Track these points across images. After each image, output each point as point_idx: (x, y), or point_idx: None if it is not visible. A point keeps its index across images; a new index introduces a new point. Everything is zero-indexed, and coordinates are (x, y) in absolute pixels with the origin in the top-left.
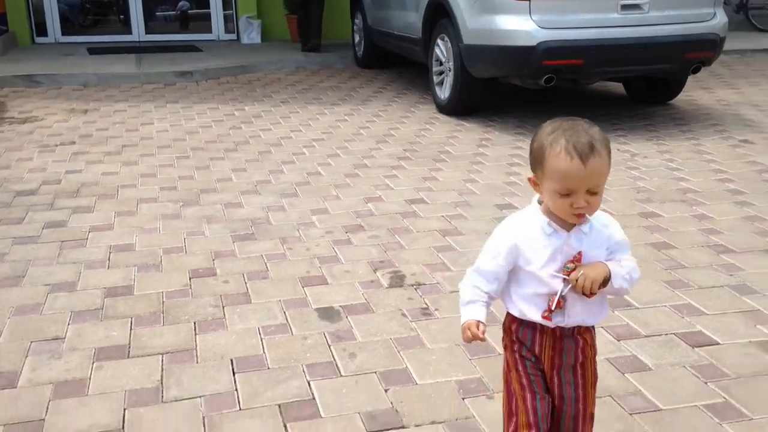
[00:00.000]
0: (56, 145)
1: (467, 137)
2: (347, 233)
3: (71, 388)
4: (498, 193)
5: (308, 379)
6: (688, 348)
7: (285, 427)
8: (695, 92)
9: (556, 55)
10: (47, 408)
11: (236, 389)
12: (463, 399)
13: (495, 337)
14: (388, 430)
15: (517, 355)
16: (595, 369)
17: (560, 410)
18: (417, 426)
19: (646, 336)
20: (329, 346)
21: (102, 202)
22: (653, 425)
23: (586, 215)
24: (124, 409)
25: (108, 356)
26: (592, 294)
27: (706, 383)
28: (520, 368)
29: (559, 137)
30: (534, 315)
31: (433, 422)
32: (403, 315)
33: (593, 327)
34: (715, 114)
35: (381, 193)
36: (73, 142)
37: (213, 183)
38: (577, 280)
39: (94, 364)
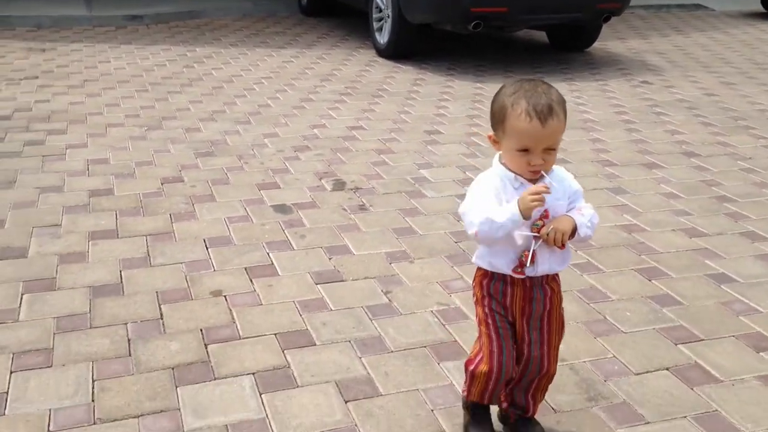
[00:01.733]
0: (21, 80)
1: (403, 77)
2: (296, 152)
3: (74, 257)
4: (427, 122)
5: (267, 251)
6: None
7: (251, 281)
8: (611, 42)
9: (483, 2)
10: (56, 270)
11: (210, 257)
12: (390, 264)
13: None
14: (331, 282)
15: (486, 310)
16: (561, 315)
17: (528, 353)
18: (354, 280)
19: None
20: (283, 230)
21: (73, 126)
22: None
23: (542, 172)
24: (120, 271)
25: (101, 237)
26: (562, 246)
27: (581, 275)
28: (490, 322)
29: (520, 98)
30: (505, 268)
31: (366, 278)
32: (344, 209)
33: (558, 276)
34: (623, 60)
35: (325, 121)
36: (37, 77)
37: (173, 112)
38: (548, 235)
39: (90, 242)
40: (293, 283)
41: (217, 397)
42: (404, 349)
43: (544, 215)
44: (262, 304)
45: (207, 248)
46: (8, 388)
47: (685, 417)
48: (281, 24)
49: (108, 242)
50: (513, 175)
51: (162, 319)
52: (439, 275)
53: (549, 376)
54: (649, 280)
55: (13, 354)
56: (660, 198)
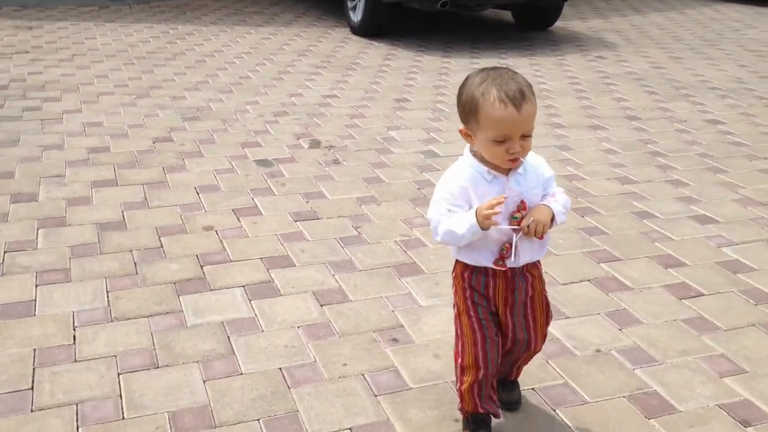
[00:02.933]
0: (12, 54)
1: (375, 53)
2: (275, 116)
3: (80, 201)
4: (397, 92)
5: (251, 196)
6: None
7: (238, 219)
8: (572, 21)
9: None
10: (65, 210)
11: (201, 201)
12: (360, 206)
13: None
14: (308, 220)
15: (469, 302)
16: (545, 297)
17: (514, 337)
18: (328, 218)
19: None
20: (265, 180)
21: (67, 94)
22: None
23: (520, 158)
24: (122, 211)
25: (102, 185)
26: (542, 236)
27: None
28: (472, 314)
29: (490, 87)
30: (487, 262)
31: (339, 216)
32: (319, 163)
33: (539, 260)
34: (582, 38)
35: (302, 91)
36: (27, 51)
37: (159, 82)
38: (528, 227)
39: (93, 189)
40: (275, 221)
41: (214, 302)
42: (371, 269)
43: (522, 206)
44: (248, 237)
45: (198, 194)
46: (36, 297)
47: (599, 314)
48: (259, 4)
49: (109, 189)
50: (486, 168)
51: (162, 247)
52: (402, 214)
53: (535, 352)
54: (582, 216)
55: (36, 272)
56: (600, 154)
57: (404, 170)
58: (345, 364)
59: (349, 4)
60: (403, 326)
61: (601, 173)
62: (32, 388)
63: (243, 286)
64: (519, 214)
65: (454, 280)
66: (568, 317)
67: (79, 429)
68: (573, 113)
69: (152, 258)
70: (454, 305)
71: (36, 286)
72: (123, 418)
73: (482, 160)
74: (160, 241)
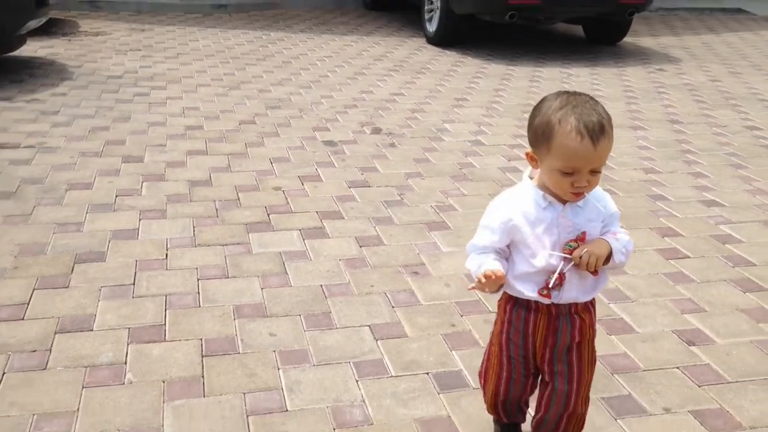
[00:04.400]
0: (127, 51)
1: (445, 60)
2: (345, 108)
3: (176, 165)
4: (459, 93)
5: (315, 167)
6: None
7: (302, 183)
8: (643, 37)
9: None
10: (164, 170)
11: (273, 169)
12: (407, 179)
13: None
14: (360, 187)
15: (503, 337)
16: (594, 350)
17: (552, 386)
18: (377, 186)
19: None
20: (329, 156)
21: (171, 84)
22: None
23: (584, 193)
24: (210, 173)
25: (195, 154)
26: (595, 272)
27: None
28: (504, 349)
29: (569, 115)
30: (530, 292)
31: (387, 186)
32: (377, 145)
33: (593, 307)
34: (648, 52)
35: (372, 89)
36: (139, 49)
37: (249, 78)
38: (581, 258)
39: (187, 156)
40: (332, 186)
41: (275, 239)
42: (406, 224)
43: (581, 237)
44: (308, 196)
45: (272, 163)
46: (138, 227)
47: None
48: (346, 15)
49: (200, 157)
50: (542, 193)
51: (238, 200)
52: (442, 186)
53: (576, 416)
54: None
55: (140, 211)
56: (633, 149)
57: (450, 154)
58: (372, 286)
59: (426, 16)
60: (424, 264)
61: (629, 164)
62: (133, 284)
63: (300, 230)
64: (575, 243)
65: (498, 309)
66: None
67: (167, 311)
68: (619, 116)
69: (230, 207)
70: (494, 323)
71: (139, 220)
72: (199, 306)
73: (542, 185)
74: (237, 195)
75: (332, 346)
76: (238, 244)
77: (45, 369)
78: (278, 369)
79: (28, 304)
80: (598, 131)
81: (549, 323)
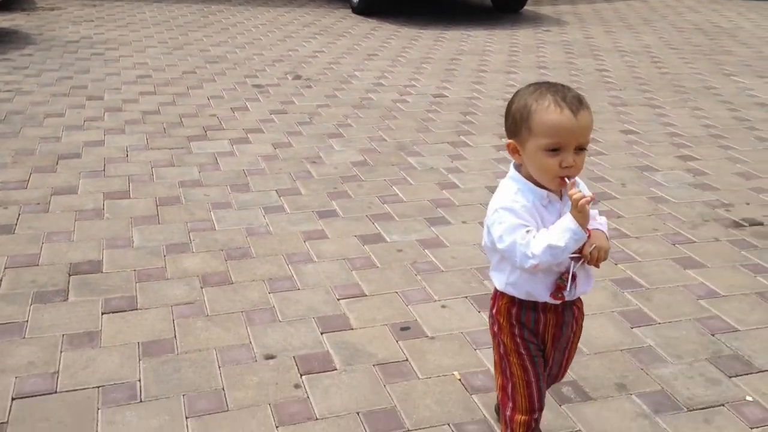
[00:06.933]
0: (81, 22)
1: (365, 26)
2: (273, 62)
3: (130, 102)
4: (372, 51)
5: (245, 102)
6: None
7: (233, 112)
8: (543, 6)
9: None
10: (121, 105)
11: (210, 102)
12: (317, 108)
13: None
14: (280, 113)
15: (518, 339)
16: (581, 330)
17: (548, 372)
18: (293, 113)
19: None
20: (257, 95)
21: (122, 47)
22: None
23: (566, 179)
24: (159, 106)
25: (146, 95)
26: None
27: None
28: (523, 351)
29: (545, 93)
30: (542, 296)
31: (300, 113)
32: (296, 87)
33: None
34: (543, 18)
35: (298, 48)
36: (92, 20)
37: (191, 41)
38: (590, 254)
39: (140, 96)
40: (257, 113)
41: (210, 145)
42: (311, 135)
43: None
44: (237, 119)
45: (209, 99)
46: (104, 139)
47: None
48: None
49: (150, 96)
50: (544, 192)
51: (182, 122)
52: (343, 112)
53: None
54: (633, 156)
55: (104, 130)
56: (502, 86)
57: (355, 92)
58: (280, 169)
59: None
60: (321, 157)
61: (494, 96)
62: (103, 170)
63: (229, 139)
64: None
65: (495, 316)
66: None
67: (130, 184)
68: (498, 64)
69: (175, 126)
70: (498, 344)
71: (104, 134)
72: (153, 181)
73: (533, 181)
74: (181, 120)
75: (248, 200)
76: (182, 148)
77: (47, 212)
78: (210, 211)
79: (28, 180)
80: (577, 103)
81: (557, 319)
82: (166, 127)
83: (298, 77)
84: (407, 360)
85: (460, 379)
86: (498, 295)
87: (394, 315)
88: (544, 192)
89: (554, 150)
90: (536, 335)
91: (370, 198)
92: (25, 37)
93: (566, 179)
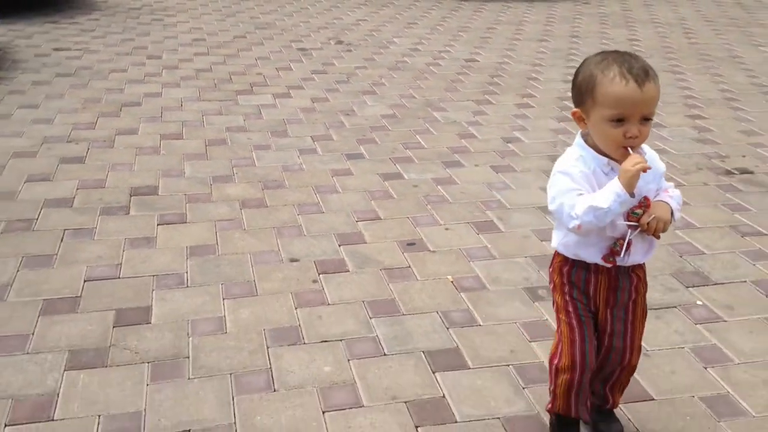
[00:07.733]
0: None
1: None
2: (318, 29)
3: (185, 62)
4: (412, 20)
5: (289, 63)
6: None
7: (278, 72)
8: None
9: None
10: (178, 64)
11: (257, 63)
12: (355, 70)
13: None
14: (320, 73)
15: (567, 297)
16: (645, 304)
17: (610, 344)
18: (332, 74)
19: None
20: (301, 57)
21: (180, 13)
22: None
23: (629, 149)
24: (211, 65)
25: (200, 55)
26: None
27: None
28: (571, 310)
29: (611, 64)
30: (594, 257)
31: (339, 73)
32: (338, 51)
33: (644, 263)
34: None
35: (343, 17)
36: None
37: (243, 9)
38: (648, 224)
39: (194, 56)
40: (300, 72)
41: (255, 99)
42: (347, 92)
43: (645, 203)
44: (281, 78)
45: (256, 60)
46: (161, 91)
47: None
48: None
49: (203, 57)
50: (606, 159)
51: (231, 79)
52: (379, 74)
53: (631, 368)
54: (688, 109)
55: (162, 84)
56: (533, 53)
57: (392, 56)
58: (316, 119)
59: None
60: (354, 110)
61: (523, 61)
62: (160, 116)
63: (272, 94)
64: (640, 210)
65: (551, 275)
66: None
67: (183, 128)
68: (533, 33)
69: (224, 83)
70: (553, 302)
71: (162, 87)
72: (203, 126)
73: (597, 150)
74: (230, 77)
75: (286, 143)
76: (230, 100)
77: (112, 148)
78: (252, 151)
79: (96, 123)
80: (643, 75)
81: (610, 283)
82: (217, 82)
83: (340, 42)
84: (409, 266)
85: (452, 282)
86: (555, 254)
87: (403, 234)
88: (605, 159)
89: (619, 120)
90: (587, 296)
91: (395, 144)
92: (91, 4)
93: (630, 149)
